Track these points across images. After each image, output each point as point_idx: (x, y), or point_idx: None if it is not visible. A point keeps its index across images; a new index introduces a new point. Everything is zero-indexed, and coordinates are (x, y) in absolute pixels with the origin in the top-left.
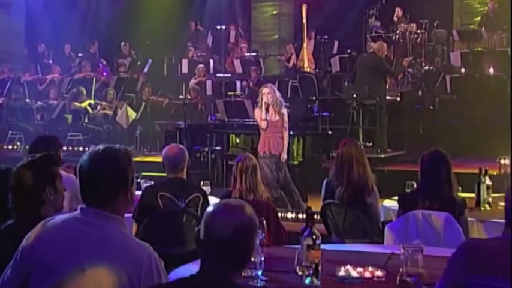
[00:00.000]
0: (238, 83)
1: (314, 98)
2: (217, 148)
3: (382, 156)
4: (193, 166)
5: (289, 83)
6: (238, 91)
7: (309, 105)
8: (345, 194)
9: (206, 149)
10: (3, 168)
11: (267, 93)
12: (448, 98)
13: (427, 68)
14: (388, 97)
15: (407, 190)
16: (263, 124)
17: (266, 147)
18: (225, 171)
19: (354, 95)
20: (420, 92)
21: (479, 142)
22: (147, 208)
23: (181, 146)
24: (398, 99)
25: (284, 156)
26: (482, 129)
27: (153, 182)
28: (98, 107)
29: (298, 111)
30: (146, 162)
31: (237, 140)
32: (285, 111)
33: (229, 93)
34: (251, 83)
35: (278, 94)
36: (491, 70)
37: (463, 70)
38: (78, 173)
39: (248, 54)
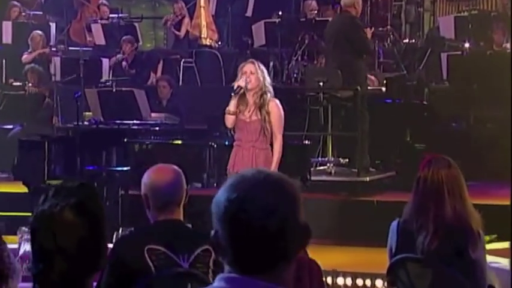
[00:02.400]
0: (105, 62)
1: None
2: (124, 169)
3: (367, 179)
4: None
5: (181, 62)
6: (105, 75)
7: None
8: (433, 243)
9: (105, 169)
10: (47, 210)
11: (250, 72)
12: (443, 88)
13: (406, 41)
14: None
15: None
16: (229, 120)
17: (232, 165)
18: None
19: (321, 83)
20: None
21: (494, 155)
22: (128, 273)
23: (176, 168)
24: (384, 89)
25: None
26: (498, 137)
27: (129, 230)
28: None
29: (200, 107)
30: None
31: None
32: (273, 106)
33: (104, 78)
34: (124, 63)
35: (268, 79)
36: (508, 45)
37: (466, 45)
38: (226, 214)
39: (114, 16)
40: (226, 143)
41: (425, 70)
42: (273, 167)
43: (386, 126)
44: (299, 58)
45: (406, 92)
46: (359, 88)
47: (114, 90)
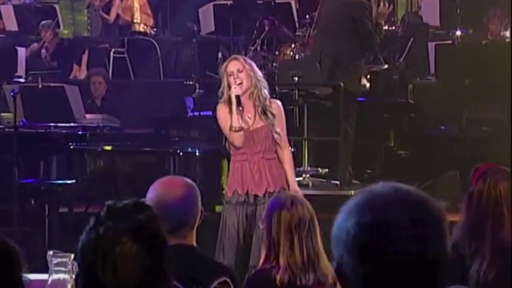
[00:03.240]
0: (21, 51)
1: (190, 82)
2: (68, 182)
3: (351, 193)
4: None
5: (111, 53)
6: (21, 68)
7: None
8: (490, 273)
9: (44, 183)
10: (102, 237)
11: (238, 71)
12: (430, 84)
13: (385, 27)
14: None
15: None
16: (237, 139)
17: (239, 184)
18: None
19: (296, 78)
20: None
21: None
22: None
23: (189, 181)
24: (368, 84)
25: None
26: (496, 141)
27: None
28: None
29: (140, 107)
30: None
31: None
32: (277, 107)
33: (20, 72)
34: (44, 51)
35: (259, 74)
36: (507, 33)
37: (458, 33)
38: (356, 243)
39: None
40: (197, 152)
41: (406, 62)
42: (293, 180)
43: (367, 129)
44: (258, 48)
45: (390, 88)
46: (342, 84)
47: (40, 86)
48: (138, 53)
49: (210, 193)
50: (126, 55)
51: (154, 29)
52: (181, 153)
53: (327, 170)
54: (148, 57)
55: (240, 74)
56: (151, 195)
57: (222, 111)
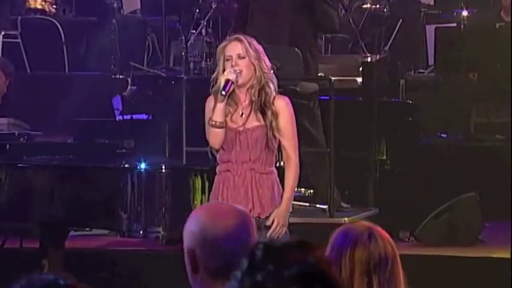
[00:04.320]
0: None
1: (120, 76)
2: None
3: (345, 221)
4: None
5: (0, 37)
6: None
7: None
8: None
9: None
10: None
11: (238, 56)
12: (427, 79)
13: (367, 6)
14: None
15: None
16: (216, 136)
17: (220, 197)
18: None
19: (272, 71)
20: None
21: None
22: None
23: (241, 209)
24: (359, 80)
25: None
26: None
27: None
28: None
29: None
30: None
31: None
32: (283, 105)
33: None
34: None
35: (266, 64)
36: None
37: (464, 13)
38: None
39: None
40: (163, 168)
41: (393, 51)
42: (287, 198)
43: (352, 137)
44: (202, 32)
45: (381, 84)
46: (332, 79)
47: None
48: (35, 37)
49: (179, 218)
50: (19, 40)
51: (54, 6)
52: (141, 170)
53: (312, 191)
54: (48, 42)
55: (241, 61)
56: (193, 227)
57: (210, 103)
